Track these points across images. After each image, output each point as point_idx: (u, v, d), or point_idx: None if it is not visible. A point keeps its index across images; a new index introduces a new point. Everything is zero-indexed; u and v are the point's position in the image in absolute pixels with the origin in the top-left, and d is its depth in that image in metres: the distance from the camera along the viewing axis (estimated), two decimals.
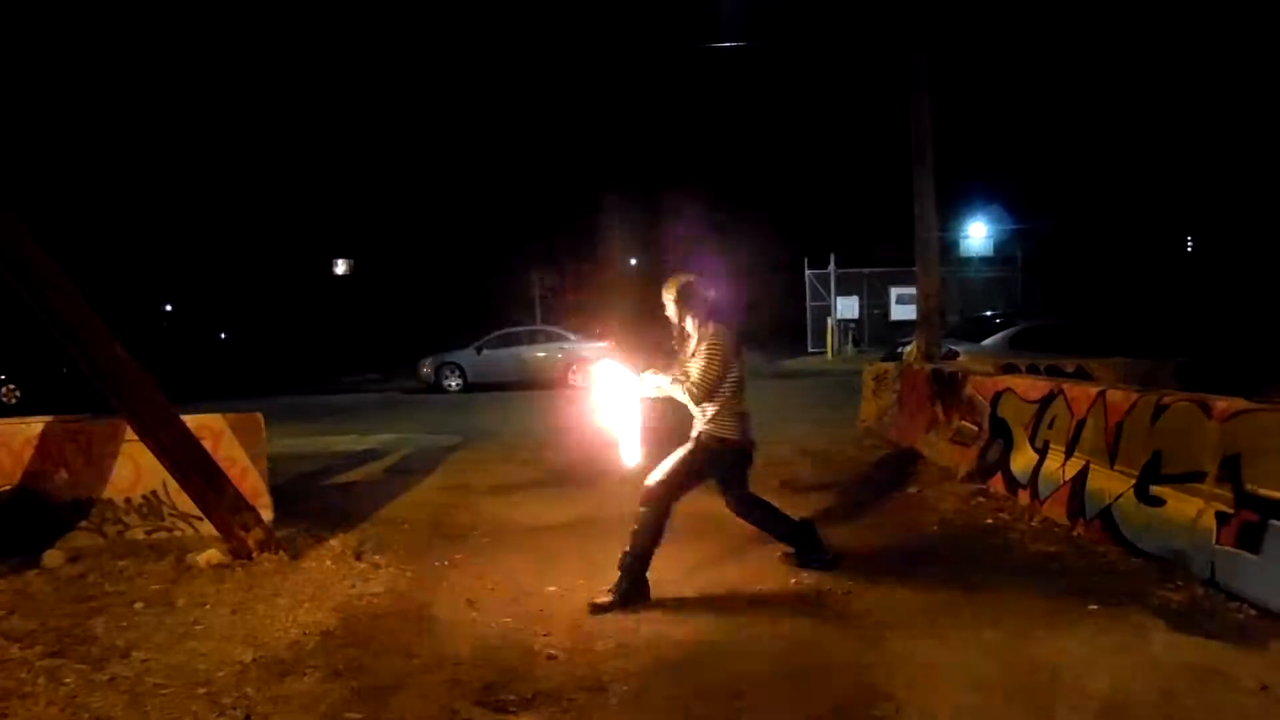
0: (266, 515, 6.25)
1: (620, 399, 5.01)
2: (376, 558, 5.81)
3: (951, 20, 12.42)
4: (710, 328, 4.93)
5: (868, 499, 7.31)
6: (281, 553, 5.76)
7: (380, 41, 30.48)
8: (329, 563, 5.71)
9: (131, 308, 27.51)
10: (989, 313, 20.30)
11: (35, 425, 6.42)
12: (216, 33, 28.32)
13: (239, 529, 5.74)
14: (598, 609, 4.67)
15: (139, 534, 6.33)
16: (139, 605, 4.96)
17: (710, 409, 4.91)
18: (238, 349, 29.15)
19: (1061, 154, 29.82)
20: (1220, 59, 25.30)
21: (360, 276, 38.97)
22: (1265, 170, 25.52)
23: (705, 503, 5.35)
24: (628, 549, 4.81)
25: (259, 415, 6.85)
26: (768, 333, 29.75)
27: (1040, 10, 24.80)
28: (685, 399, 4.90)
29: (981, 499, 6.97)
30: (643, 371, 4.99)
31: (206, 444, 6.03)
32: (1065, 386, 6.67)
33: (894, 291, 27.83)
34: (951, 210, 28.56)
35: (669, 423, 5.41)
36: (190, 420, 6.06)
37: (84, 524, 6.30)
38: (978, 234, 32.35)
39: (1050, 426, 6.62)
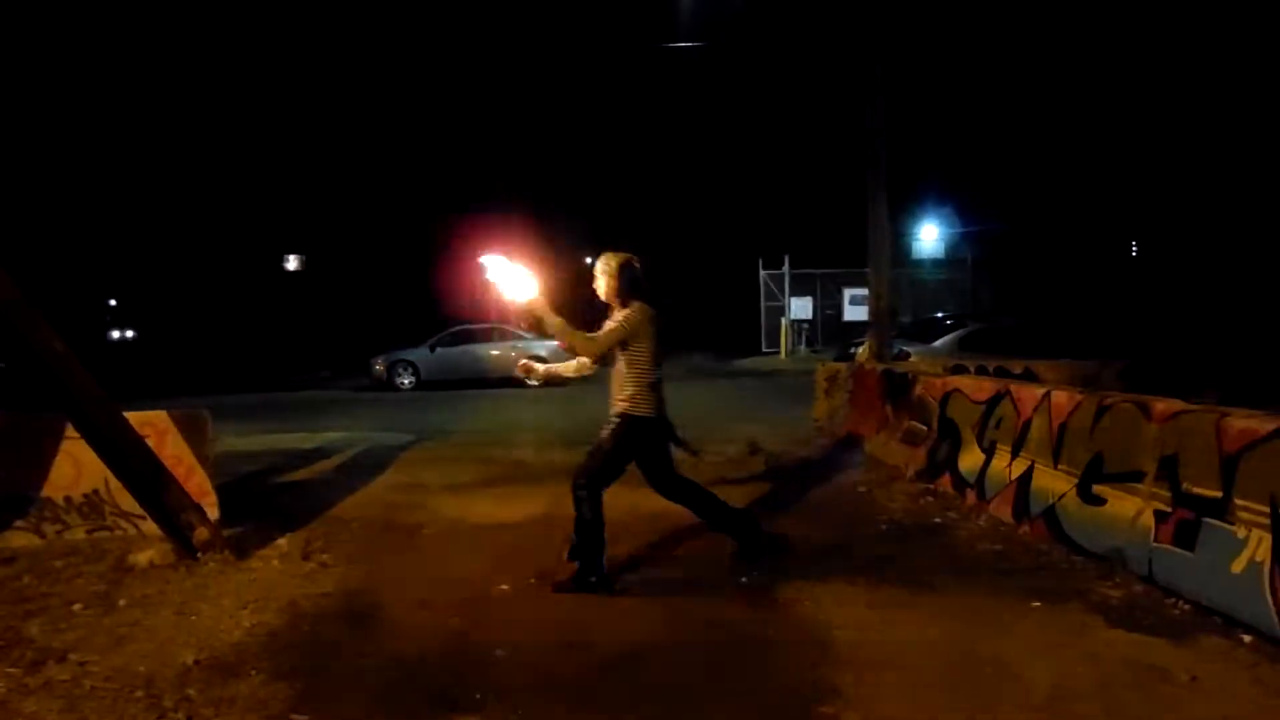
0: (212, 514, 6.12)
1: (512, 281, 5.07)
2: (325, 557, 5.74)
3: (906, 29, 12.59)
4: (634, 304, 5.01)
5: (818, 497, 7.37)
6: (227, 552, 5.66)
7: (332, 36, 30.08)
8: (276, 562, 5.63)
9: (74, 302, 26.84)
10: (940, 314, 20.64)
11: None
12: (168, 26, 27.74)
13: (184, 528, 5.61)
14: (559, 587, 4.87)
15: (79, 533, 6.16)
16: (77, 606, 4.83)
17: (629, 388, 4.97)
18: (184, 346, 28.57)
19: (1012, 159, 30.36)
20: (1166, 68, 25.94)
21: (312, 272, 38.43)
22: (1206, 176, 26.26)
23: (655, 501, 5.38)
24: (574, 537, 4.92)
25: (205, 412, 6.72)
26: (721, 332, 29.89)
27: (991, 17, 25.23)
28: (569, 345, 5.07)
29: (930, 498, 7.07)
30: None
31: (150, 441, 5.89)
32: (1012, 388, 6.80)
33: (847, 292, 28.14)
34: (904, 212, 29.00)
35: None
36: (134, 417, 5.92)
37: (20, 523, 6.11)
38: (929, 236, 32.88)
39: (997, 427, 6.74)
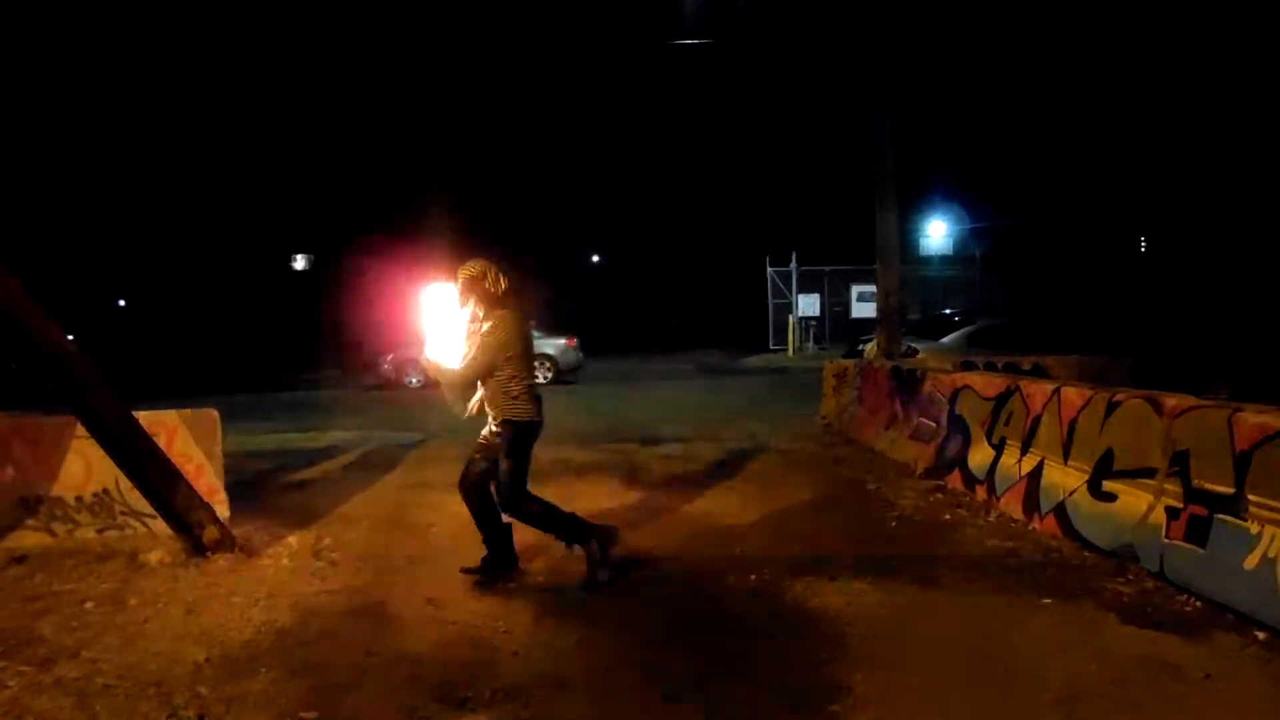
0: (222, 513, 6.15)
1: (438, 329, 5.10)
2: (334, 555, 5.75)
3: (914, 27, 12.56)
4: (498, 313, 4.93)
5: (827, 495, 7.35)
6: (237, 551, 5.68)
7: (342, 32, 30.12)
8: (286, 561, 5.64)
9: (84, 303, 26.93)
10: (948, 310, 20.57)
11: None
12: (172, 25, 27.81)
13: (193, 527, 5.63)
14: (588, 585, 4.88)
15: (90, 533, 6.18)
16: (89, 605, 4.85)
17: (512, 393, 4.91)
18: (194, 345, 28.65)
19: (1021, 155, 30.27)
20: (1178, 64, 25.81)
21: (320, 272, 38.45)
22: (1216, 171, 26.12)
23: (657, 500, 5.37)
24: (562, 541, 5.05)
25: (214, 411, 6.73)
26: (728, 330, 29.88)
27: (999, 12, 25.15)
28: (453, 383, 5.05)
29: (939, 495, 7.05)
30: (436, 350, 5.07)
31: (160, 440, 5.92)
32: (1022, 384, 6.77)
33: (855, 289, 28.06)
34: (912, 208, 28.92)
35: None
36: (144, 416, 5.94)
37: (32, 522, 6.13)
38: (937, 233, 32.78)
39: (1007, 423, 6.72)
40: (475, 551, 5.81)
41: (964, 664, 3.86)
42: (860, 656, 3.95)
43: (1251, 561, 4.15)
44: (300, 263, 38.99)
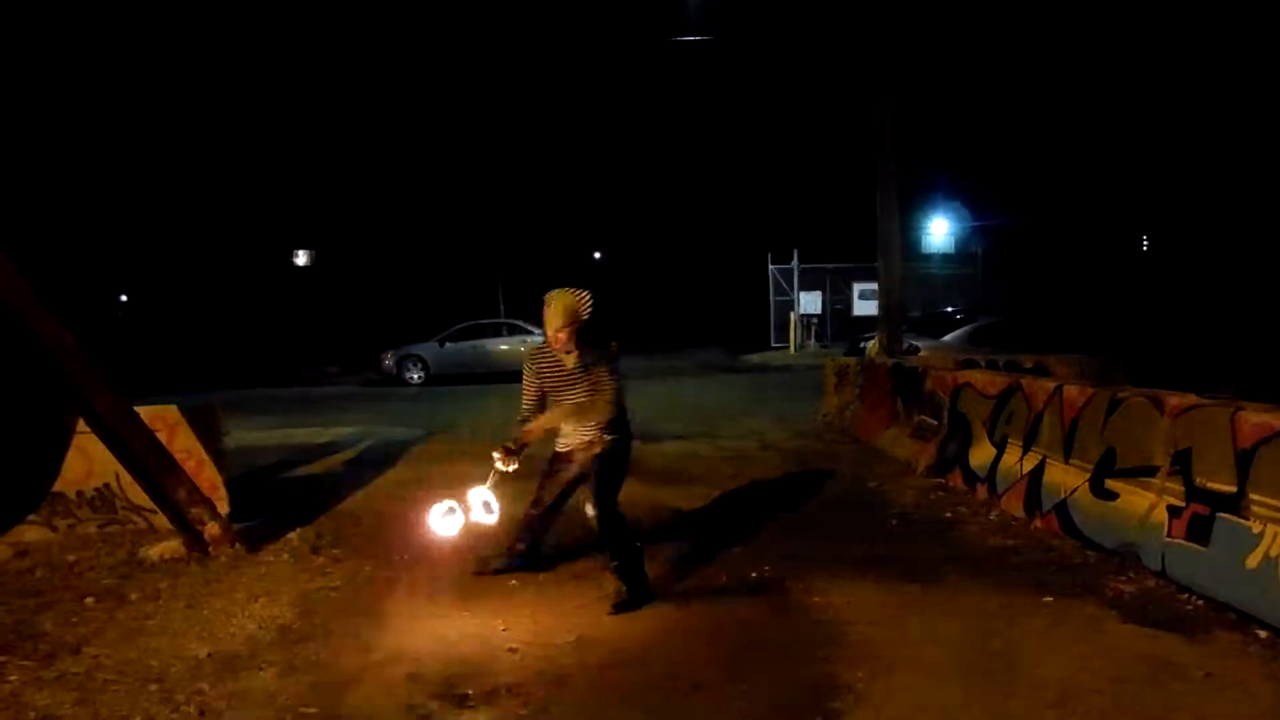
0: (223, 508, 6.14)
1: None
2: (335, 552, 5.75)
3: (916, 25, 12.54)
4: (594, 347, 4.83)
5: (828, 492, 7.35)
6: (238, 546, 5.68)
7: (342, 30, 30.09)
8: (286, 557, 5.64)
9: (85, 298, 26.92)
10: (950, 308, 20.56)
11: None
12: (175, 22, 27.79)
13: (194, 523, 5.63)
14: (619, 608, 4.58)
15: (91, 528, 6.19)
16: (90, 600, 4.86)
17: (605, 416, 4.84)
18: (195, 340, 28.66)
19: (1022, 153, 30.21)
20: (1178, 64, 25.77)
21: (321, 267, 38.46)
22: (1218, 170, 26.09)
23: (662, 497, 5.36)
24: (611, 559, 4.72)
25: (215, 407, 6.74)
26: (730, 327, 29.85)
27: (1001, 12, 25.10)
28: (589, 415, 4.87)
29: (940, 493, 7.05)
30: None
31: (161, 435, 5.92)
32: (1023, 382, 6.77)
33: (856, 287, 27.99)
34: (913, 207, 28.88)
35: None
36: (145, 411, 5.94)
37: (33, 517, 6.14)
38: (939, 231, 32.74)
39: (1008, 421, 6.71)
40: (476, 550, 5.82)
41: (965, 662, 3.85)
42: (861, 654, 3.95)
43: (1253, 560, 4.15)
44: (302, 258, 39.00)
